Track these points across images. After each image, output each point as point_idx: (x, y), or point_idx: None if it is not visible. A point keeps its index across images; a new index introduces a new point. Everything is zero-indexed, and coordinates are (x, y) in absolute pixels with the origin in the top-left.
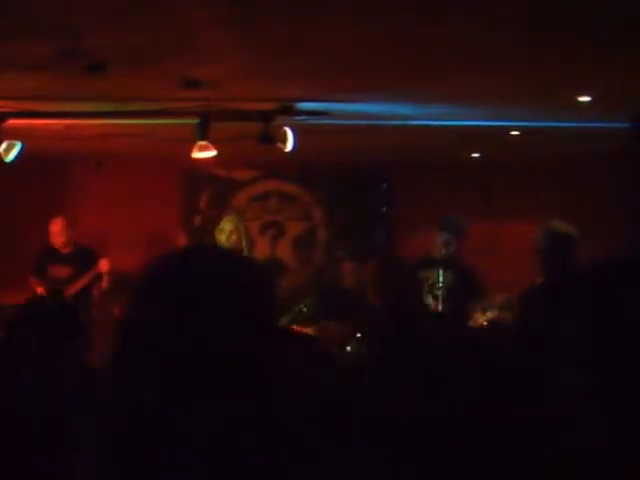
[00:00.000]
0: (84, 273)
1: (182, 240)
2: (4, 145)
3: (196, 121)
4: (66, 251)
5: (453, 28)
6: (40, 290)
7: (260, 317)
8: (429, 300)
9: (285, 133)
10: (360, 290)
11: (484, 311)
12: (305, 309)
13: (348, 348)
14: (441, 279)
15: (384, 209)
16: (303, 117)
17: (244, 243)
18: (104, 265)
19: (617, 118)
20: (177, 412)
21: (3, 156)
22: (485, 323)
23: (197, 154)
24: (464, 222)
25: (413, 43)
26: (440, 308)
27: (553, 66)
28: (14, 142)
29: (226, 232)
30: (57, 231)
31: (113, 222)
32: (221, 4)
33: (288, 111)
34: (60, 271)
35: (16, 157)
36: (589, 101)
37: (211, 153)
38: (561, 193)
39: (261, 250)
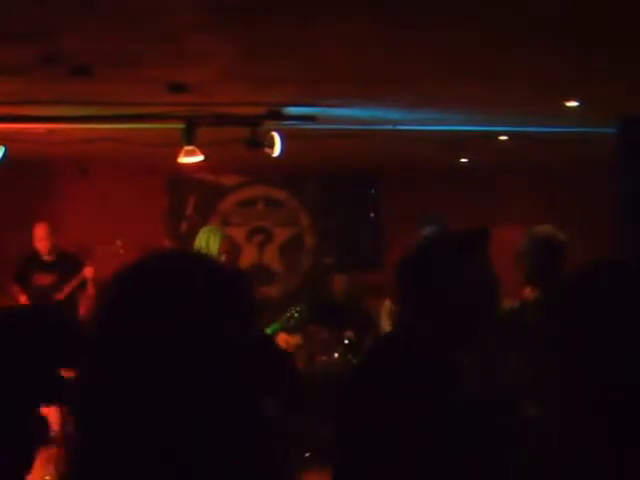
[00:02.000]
0: (68, 281)
1: (168, 246)
2: None
3: (182, 126)
4: (50, 258)
5: (438, 34)
6: (23, 299)
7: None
8: None
9: (273, 138)
10: (352, 301)
11: None
12: (297, 315)
13: (335, 354)
14: None
15: (372, 214)
16: (291, 122)
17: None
18: (88, 272)
19: (605, 123)
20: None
21: None
22: None
23: (184, 159)
24: (444, 218)
25: (399, 47)
26: None
27: (540, 72)
28: None
29: (204, 242)
30: (41, 236)
31: (98, 228)
32: (206, 9)
33: (276, 116)
34: (44, 279)
35: (0, 162)
36: (577, 106)
37: (198, 158)
38: (550, 198)
39: (248, 256)
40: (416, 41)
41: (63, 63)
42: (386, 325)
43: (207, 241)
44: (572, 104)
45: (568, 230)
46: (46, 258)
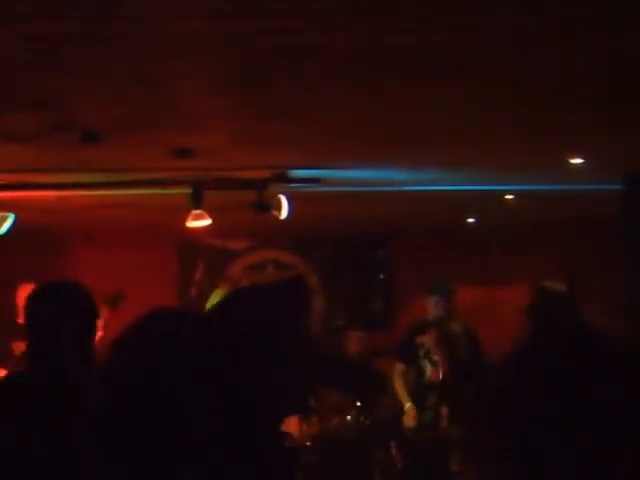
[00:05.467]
0: None
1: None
2: None
3: (189, 190)
4: None
5: (438, 99)
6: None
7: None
8: (426, 367)
9: (279, 201)
10: (365, 358)
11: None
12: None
13: (348, 417)
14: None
15: (381, 276)
16: (297, 184)
17: None
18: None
19: (610, 180)
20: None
21: None
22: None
23: (192, 223)
24: (451, 283)
25: (401, 111)
26: (440, 375)
27: (543, 131)
28: (6, 214)
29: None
30: None
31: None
32: (211, 74)
33: (282, 179)
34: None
35: (9, 230)
36: (581, 163)
37: (206, 222)
38: (558, 256)
39: None
40: (416, 104)
41: (71, 130)
42: (400, 386)
43: None
44: (577, 161)
45: (579, 287)
46: None
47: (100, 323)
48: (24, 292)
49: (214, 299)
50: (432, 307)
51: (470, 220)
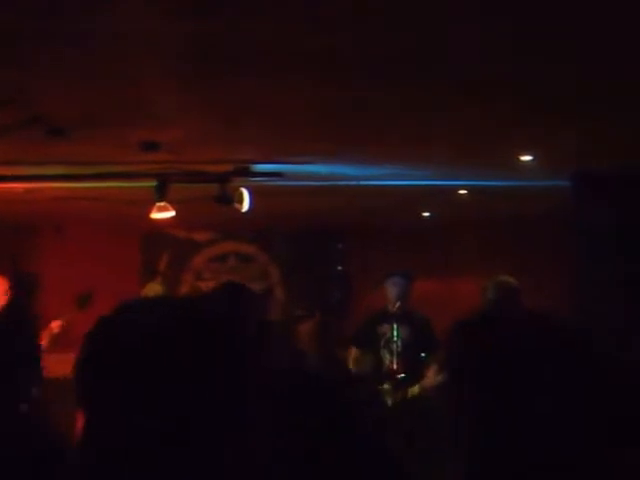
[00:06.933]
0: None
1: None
2: None
3: (154, 183)
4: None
5: (392, 98)
6: None
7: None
8: (385, 355)
9: (241, 194)
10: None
11: (440, 370)
12: None
13: None
14: (395, 333)
15: (339, 268)
16: (258, 178)
17: None
18: (55, 326)
19: (559, 177)
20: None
21: None
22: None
23: (156, 215)
24: (410, 273)
25: (355, 110)
26: (395, 364)
27: (494, 130)
28: None
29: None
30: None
31: (72, 285)
32: (175, 73)
33: (244, 173)
34: None
35: None
36: (531, 160)
37: (170, 214)
38: (510, 251)
39: None
40: (373, 104)
41: (39, 125)
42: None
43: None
44: (526, 158)
45: (527, 281)
46: None
47: (58, 323)
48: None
49: (149, 291)
50: (392, 297)
51: (425, 214)
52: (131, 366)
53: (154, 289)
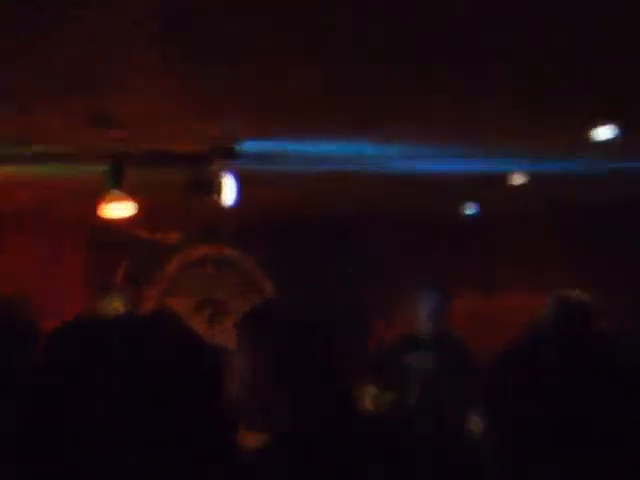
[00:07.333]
0: None
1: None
2: None
3: (107, 168)
4: None
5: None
6: None
7: None
8: (412, 393)
9: (222, 182)
10: None
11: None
12: None
13: None
14: (430, 366)
15: (350, 270)
16: (245, 161)
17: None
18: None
19: None
20: None
21: None
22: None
23: (109, 208)
24: (447, 290)
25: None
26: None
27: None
28: None
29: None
30: None
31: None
32: (138, 24)
33: (226, 154)
34: None
35: None
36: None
37: (127, 206)
38: (579, 259)
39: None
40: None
41: None
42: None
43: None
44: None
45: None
46: None
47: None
48: None
49: (111, 304)
50: (422, 310)
51: (466, 210)
52: None
53: (113, 306)
